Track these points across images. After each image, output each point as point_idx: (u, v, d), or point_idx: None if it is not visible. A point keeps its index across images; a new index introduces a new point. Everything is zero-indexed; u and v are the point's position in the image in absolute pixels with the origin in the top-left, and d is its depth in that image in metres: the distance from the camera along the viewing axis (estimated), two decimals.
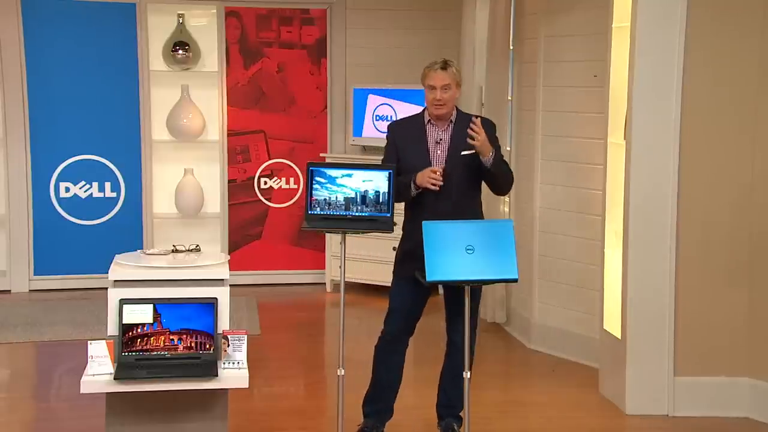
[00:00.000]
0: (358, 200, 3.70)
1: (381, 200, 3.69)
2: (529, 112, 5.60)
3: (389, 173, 3.69)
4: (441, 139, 3.88)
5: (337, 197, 3.70)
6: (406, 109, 6.49)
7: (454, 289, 3.77)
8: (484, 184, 3.95)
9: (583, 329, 5.18)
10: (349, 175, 3.70)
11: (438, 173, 3.75)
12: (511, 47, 5.85)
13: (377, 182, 3.68)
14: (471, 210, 3.86)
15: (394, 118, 6.55)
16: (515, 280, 3.54)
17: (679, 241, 4.41)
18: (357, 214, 3.70)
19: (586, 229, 5.16)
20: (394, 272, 3.99)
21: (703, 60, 4.34)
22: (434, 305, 4.08)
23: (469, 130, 3.70)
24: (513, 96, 5.90)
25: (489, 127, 3.95)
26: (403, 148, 3.89)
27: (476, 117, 3.83)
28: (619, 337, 4.54)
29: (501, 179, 3.89)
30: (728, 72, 4.36)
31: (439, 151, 3.86)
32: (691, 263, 4.42)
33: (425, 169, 3.79)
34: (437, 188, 3.75)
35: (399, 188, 3.78)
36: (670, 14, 4.31)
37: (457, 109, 3.92)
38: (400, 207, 3.94)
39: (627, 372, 4.46)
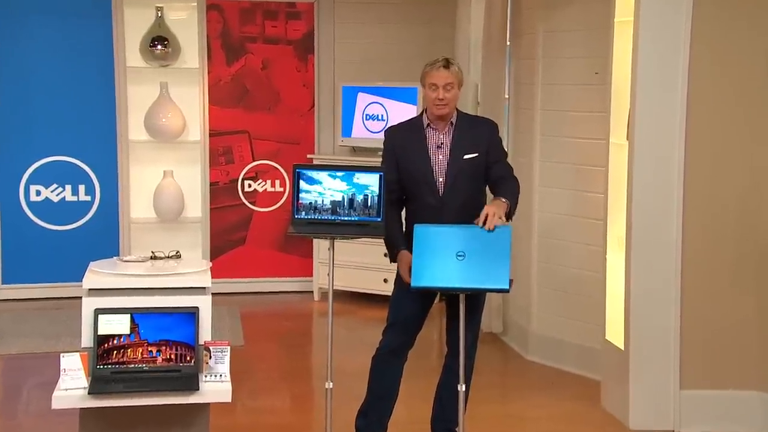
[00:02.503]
0: (346, 204, 3.70)
1: (370, 204, 3.69)
2: (527, 111, 5.62)
3: (380, 176, 3.70)
4: (442, 143, 3.89)
5: (323, 201, 3.71)
6: (397, 108, 6.51)
7: (455, 298, 3.78)
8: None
9: (584, 339, 5.19)
10: (338, 178, 3.71)
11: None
12: (508, 43, 5.87)
13: (367, 185, 3.69)
14: (474, 215, 3.87)
15: (385, 117, 6.57)
16: (506, 290, 3.55)
17: (684, 247, 4.42)
18: (345, 218, 3.71)
19: (587, 234, 5.17)
20: (395, 282, 4.00)
21: (709, 55, 4.36)
22: (429, 315, 4.08)
23: (484, 225, 3.63)
24: (510, 94, 5.91)
25: (491, 129, 3.98)
26: (402, 154, 3.90)
27: (480, 118, 3.83)
28: (622, 348, 4.55)
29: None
30: (736, 68, 4.38)
31: (440, 156, 3.88)
32: (698, 270, 4.43)
33: (406, 261, 3.78)
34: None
35: (390, 236, 3.82)
36: (674, 7, 4.33)
37: (457, 110, 3.94)
38: None
39: (630, 385, 4.48)
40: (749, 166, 4.41)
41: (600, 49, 4.87)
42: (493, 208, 3.65)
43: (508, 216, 3.77)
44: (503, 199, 3.74)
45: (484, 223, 3.62)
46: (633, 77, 4.42)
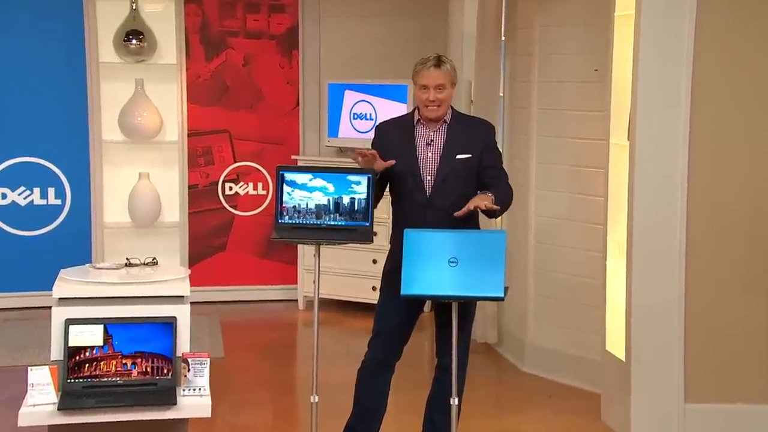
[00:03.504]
0: (332, 208, 3.70)
1: (357, 208, 3.69)
2: (522, 110, 5.63)
3: (368, 178, 3.70)
4: (432, 141, 3.90)
5: (308, 204, 3.70)
6: (386, 107, 6.51)
7: (444, 307, 3.78)
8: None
9: (583, 350, 5.20)
10: (324, 180, 3.70)
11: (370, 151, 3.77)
12: (503, 38, 5.88)
13: (354, 188, 3.69)
14: (466, 220, 3.87)
15: (373, 116, 6.58)
16: (500, 299, 3.55)
17: (689, 252, 4.43)
18: (330, 223, 3.70)
19: (586, 240, 5.18)
20: (380, 289, 4.00)
21: (714, 51, 4.37)
22: (419, 323, 4.08)
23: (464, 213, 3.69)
24: (505, 92, 5.92)
25: (488, 131, 3.99)
26: (389, 150, 3.91)
27: (476, 119, 3.85)
28: (624, 360, 4.55)
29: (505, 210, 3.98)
30: (742, 64, 4.39)
31: (430, 153, 3.88)
32: (703, 276, 4.44)
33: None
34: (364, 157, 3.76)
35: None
36: (678, 1, 4.34)
37: (452, 108, 3.95)
38: (381, 216, 3.95)
39: (632, 398, 4.48)
40: (757, 167, 4.42)
41: (599, 45, 4.88)
42: (478, 200, 3.69)
43: (492, 214, 3.80)
44: (489, 193, 3.76)
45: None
46: (634, 74, 4.42)
